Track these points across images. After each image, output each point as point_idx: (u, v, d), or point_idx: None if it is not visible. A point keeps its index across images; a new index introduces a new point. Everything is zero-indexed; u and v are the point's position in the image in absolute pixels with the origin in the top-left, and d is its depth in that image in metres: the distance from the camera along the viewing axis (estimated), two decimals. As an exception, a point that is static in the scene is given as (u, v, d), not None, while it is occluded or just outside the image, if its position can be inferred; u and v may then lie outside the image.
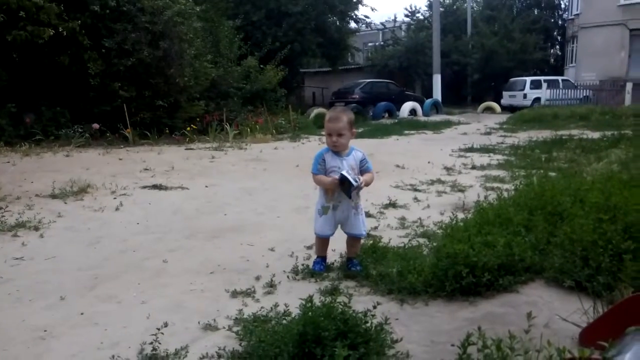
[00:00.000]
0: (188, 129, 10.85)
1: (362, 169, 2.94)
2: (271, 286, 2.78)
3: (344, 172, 2.75)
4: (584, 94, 22.49)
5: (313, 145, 10.16)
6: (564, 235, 2.81)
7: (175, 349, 2.07)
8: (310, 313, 1.89)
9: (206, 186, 5.91)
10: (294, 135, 12.05)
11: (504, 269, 2.64)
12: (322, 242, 3.06)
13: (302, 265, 3.06)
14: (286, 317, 2.17)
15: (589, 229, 2.73)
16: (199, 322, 2.34)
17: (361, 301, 2.51)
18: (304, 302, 1.97)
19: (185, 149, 9.19)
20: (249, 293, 2.69)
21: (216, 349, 2.05)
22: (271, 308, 2.38)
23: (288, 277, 2.94)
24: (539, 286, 2.66)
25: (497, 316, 2.36)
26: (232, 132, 10.89)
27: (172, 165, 7.11)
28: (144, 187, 5.74)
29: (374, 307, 1.96)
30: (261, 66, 15.50)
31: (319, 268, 3.00)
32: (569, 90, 22.69)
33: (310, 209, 4.69)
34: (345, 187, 2.76)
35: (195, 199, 5.21)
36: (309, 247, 3.48)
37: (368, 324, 1.96)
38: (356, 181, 2.74)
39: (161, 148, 9.26)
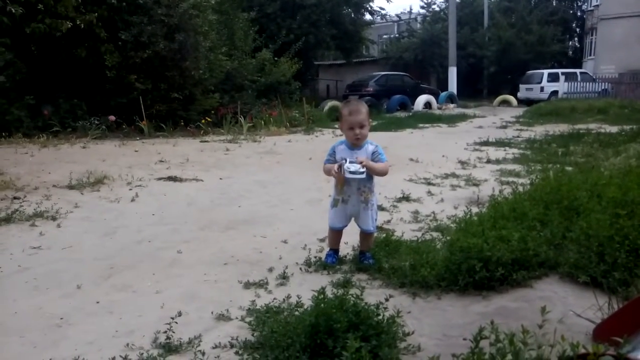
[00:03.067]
0: (203, 121, 10.90)
1: (374, 161, 2.86)
2: (284, 278, 2.79)
3: (343, 161, 2.74)
4: (603, 87, 22.09)
5: (327, 138, 10.15)
6: (580, 231, 2.78)
7: (189, 338, 2.10)
8: (322, 305, 1.90)
9: (220, 178, 5.95)
10: (307, 128, 12.05)
11: (518, 263, 2.62)
12: (334, 234, 3.07)
13: (315, 257, 3.07)
14: (298, 309, 2.18)
15: (605, 224, 2.70)
16: (212, 312, 2.36)
17: (373, 294, 2.51)
18: (316, 294, 1.98)
19: (200, 142, 9.25)
20: (261, 284, 2.71)
21: (229, 339, 2.07)
22: (284, 299, 2.39)
23: (301, 269, 2.95)
24: (554, 281, 2.63)
25: (511, 311, 2.34)
26: (246, 124, 10.92)
27: (187, 158, 7.17)
28: (159, 178, 5.80)
29: (386, 300, 1.96)
30: (275, 59, 15.49)
31: (331, 260, 3.00)
32: (587, 84, 22.30)
33: (324, 202, 4.70)
34: (344, 176, 2.74)
35: (209, 191, 5.24)
36: (322, 240, 3.49)
37: (380, 317, 1.97)
38: (352, 170, 2.69)
39: (176, 140, 9.33)
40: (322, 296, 1.94)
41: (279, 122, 11.89)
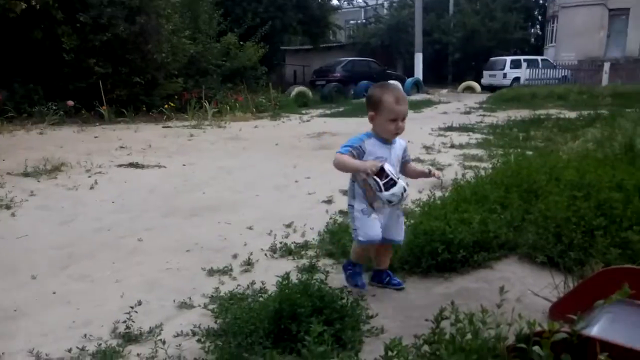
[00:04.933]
0: (166, 106, 10.66)
1: (404, 160, 2.43)
2: (248, 264, 2.77)
3: (389, 167, 2.16)
4: (563, 74, 22.73)
5: (294, 124, 10.10)
6: (539, 213, 2.85)
7: (150, 327, 2.06)
8: (286, 290, 1.89)
9: (184, 165, 5.83)
10: (274, 113, 11.94)
11: (479, 245, 2.68)
12: (371, 249, 2.43)
13: (281, 243, 3.05)
14: (263, 295, 2.16)
15: (562, 206, 2.77)
16: (174, 301, 2.32)
17: (338, 279, 2.51)
18: (280, 280, 1.96)
19: (163, 127, 9.05)
20: (225, 271, 2.67)
21: (191, 327, 2.04)
22: (248, 286, 2.37)
23: (266, 255, 2.92)
24: (513, 262, 2.70)
25: (472, 291, 2.39)
26: (211, 110, 10.73)
27: (149, 144, 6.99)
28: (120, 165, 5.64)
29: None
30: (241, 43, 15.23)
31: (362, 285, 2.41)
32: (548, 70, 22.89)
33: (290, 188, 4.70)
34: (384, 185, 2.13)
35: (172, 178, 5.14)
36: (288, 225, 3.47)
37: (344, 301, 1.97)
38: (403, 188, 2.16)
39: (138, 126, 9.09)
40: (286, 281, 1.92)
41: (245, 108, 11.74)
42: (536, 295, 2.26)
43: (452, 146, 7.13)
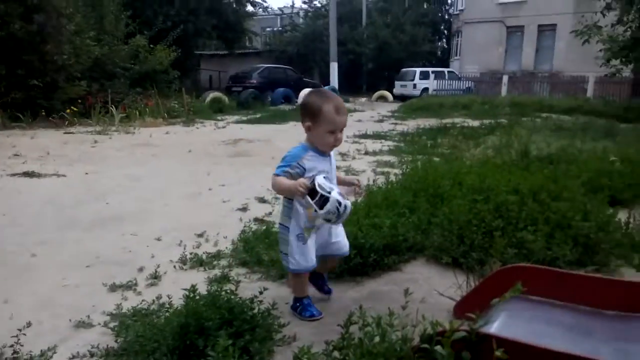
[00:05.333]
0: (68, 111, 9.95)
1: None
2: (155, 277, 2.62)
3: (322, 181, 2.00)
4: (467, 85, 24.29)
5: (208, 130, 9.86)
6: (443, 216, 2.99)
7: (41, 350, 1.88)
8: (193, 303, 1.81)
9: (86, 173, 5.46)
10: (187, 119, 11.59)
11: (389, 249, 2.74)
12: (305, 278, 2.26)
13: (191, 254, 2.93)
14: (169, 309, 2.05)
15: (465, 209, 2.93)
16: (70, 320, 2.14)
17: (251, 288, 2.44)
18: (187, 292, 1.87)
19: (64, 133, 8.44)
20: (129, 286, 2.52)
21: (89, 347, 1.89)
22: (153, 300, 2.24)
23: (175, 267, 2.80)
24: (420, 264, 2.80)
25: (382, 294, 2.44)
26: (118, 115, 10.19)
27: (48, 151, 6.48)
28: (13, 174, 5.17)
29: (260, 293, 1.92)
30: (151, 46, 14.62)
31: (317, 312, 2.22)
32: (454, 81, 24.37)
33: (203, 196, 4.56)
34: (316, 203, 1.97)
35: (73, 187, 4.78)
36: (200, 235, 3.35)
37: (255, 311, 1.92)
38: (337, 202, 1.97)
39: (35, 132, 8.41)
40: (192, 294, 1.84)
41: (156, 113, 11.28)
42: (441, 295, 2.35)
43: (366, 153, 7.31)
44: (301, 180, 2.01)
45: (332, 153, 2.21)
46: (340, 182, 2.35)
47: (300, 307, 2.22)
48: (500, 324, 1.70)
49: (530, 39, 25.72)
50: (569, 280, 1.88)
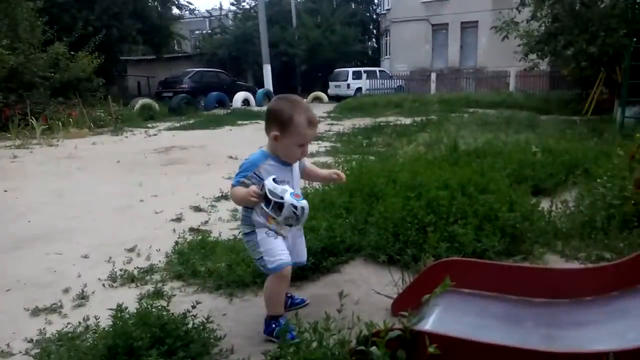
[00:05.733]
0: (-18, 125, 9.26)
1: (301, 166, 2.18)
2: (82, 298, 2.48)
3: (273, 186, 1.86)
4: (398, 84, 24.97)
5: (138, 139, 9.48)
6: (379, 214, 3.02)
7: (-46, 390, 1.71)
8: (120, 323, 1.71)
9: (5, 190, 5.09)
10: (115, 128, 11.11)
11: (327, 251, 2.74)
12: (286, 282, 2.03)
13: (121, 270, 2.79)
14: (96, 331, 1.93)
15: (399, 207, 2.98)
16: (-13, 352, 1.97)
17: (186, 302, 2.36)
18: (114, 312, 1.78)
19: (-21, 149, 7.83)
20: (54, 309, 2.36)
21: (8, 381, 1.74)
22: (79, 323, 2.11)
23: (104, 285, 2.65)
24: (358, 264, 2.82)
25: (322, 298, 2.43)
26: (39, 127, 9.59)
27: (-41, 169, 5.99)
28: None
29: (193, 307, 1.85)
30: (72, 53, 13.89)
31: (292, 336, 1.70)
32: (386, 80, 24.97)
33: (134, 209, 4.37)
34: (273, 210, 1.87)
35: (-11, 207, 4.44)
36: (131, 250, 3.21)
37: (189, 326, 1.86)
38: (292, 206, 1.84)
39: (-55, 148, 7.75)
40: (120, 314, 1.74)
41: (81, 123, 10.73)
42: (379, 294, 2.37)
43: (303, 154, 7.30)
44: (252, 187, 1.87)
45: (296, 163, 2.06)
46: (320, 180, 2.33)
47: (278, 328, 1.93)
48: (435, 319, 1.74)
49: (455, 36, 26.81)
50: (498, 270, 1.95)
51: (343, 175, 2.23)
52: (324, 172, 2.29)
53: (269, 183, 1.87)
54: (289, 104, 1.93)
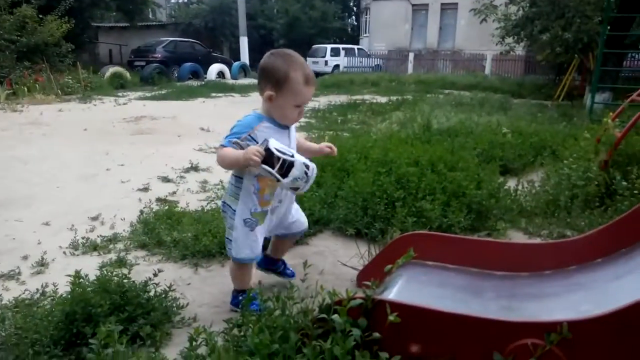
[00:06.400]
0: (-58, 87, 8.85)
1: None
2: (42, 265, 2.41)
3: (278, 145, 1.70)
4: (376, 63, 24.87)
5: (107, 107, 9.22)
6: (349, 189, 3.02)
7: None
8: (79, 290, 1.67)
9: (-36, 156, 4.90)
10: (84, 96, 10.77)
11: (296, 223, 2.73)
12: (249, 268, 2.00)
13: (84, 238, 2.73)
14: (54, 298, 1.89)
15: (369, 181, 2.99)
16: (-62, 319, 1.90)
17: (150, 271, 2.31)
18: (72, 278, 1.73)
19: (-63, 112, 7.50)
20: (11, 276, 2.30)
21: (-41, 347, 1.69)
22: (37, 290, 2.05)
23: (65, 253, 2.59)
24: (327, 237, 2.82)
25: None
26: (3, 91, 9.22)
27: None
28: None
29: (155, 275, 1.82)
30: (41, 16, 13.32)
31: (256, 306, 1.71)
32: (364, 59, 24.82)
33: (99, 177, 4.26)
34: (279, 171, 1.68)
35: (-54, 171, 4.27)
36: (94, 218, 3.14)
37: (151, 294, 1.83)
38: (304, 165, 1.71)
39: None
40: (78, 280, 1.70)
41: (48, 89, 10.35)
42: (345, 265, 2.39)
43: (277, 129, 7.24)
44: (252, 147, 1.67)
45: (293, 126, 1.92)
46: (311, 153, 2.08)
47: (242, 300, 1.81)
48: (398, 290, 1.75)
49: (434, 17, 26.73)
50: (461, 244, 1.97)
51: (335, 148, 2.10)
52: (315, 145, 2.14)
53: (274, 142, 1.69)
54: (284, 60, 1.76)
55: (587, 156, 3.45)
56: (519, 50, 13.34)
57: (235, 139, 1.75)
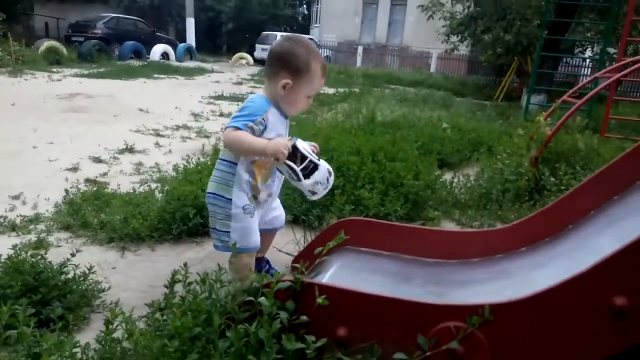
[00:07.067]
0: None
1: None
2: (-50, 245, 2.22)
3: (305, 145, 1.67)
4: (326, 54, 24.86)
5: (40, 83, 8.68)
6: (288, 174, 2.98)
7: None
8: (-14, 270, 1.54)
9: None
10: (14, 69, 10.08)
11: (232, 208, 2.66)
12: (252, 259, 1.86)
13: (1, 218, 2.54)
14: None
15: (309, 168, 2.95)
16: None
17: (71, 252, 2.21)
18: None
19: None
20: None
21: None
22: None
23: (-22, 232, 2.40)
24: (264, 222, 2.77)
25: (222, 254, 2.34)
26: None
27: None
28: None
29: (73, 255, 1.71)
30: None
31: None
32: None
33: (26, 154, 4.00)
34: (303, 170, 1.64)
35: None
36: (15, 197, 2.93)
37: (69, 276, 1.72)
38: (328, 172, 1.71)
39: None
40: (-14, 260, 1.57)
41: (-27, 60, 9.61)
42: (280, 251, 2.35)
43: (221, 114, 7.08)
44: (282, 140, 1.60)
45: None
46: None
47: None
48: (331, 275, 1.74)
49: (384, 12, 27.01)
50: (395, 231, 1.99)
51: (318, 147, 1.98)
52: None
53: (301, 142, 1.64)
54: (305, 49, 1.69)
55: (520, 152, 3.59)
56: (463, 49, 13.78)
57: (250, 123, 1.64)
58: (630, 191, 1.78)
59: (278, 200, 2.04)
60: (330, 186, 1.73)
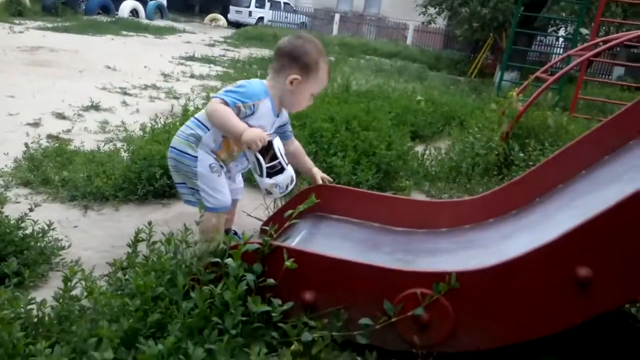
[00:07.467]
0: None
1: (283, 133, 1.93)
2: None
3: (281, 146, 1.68)
4: (302, 20, 24.37)
5: (1, 35, 8.22)
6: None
7: None
8: None
9: None
10: (-28, 18, 9.52)
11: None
12: (223, 219, 1.86)
13: (-45, 172, 2.42)
14: None
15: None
16: None
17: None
18: None
19: None
20: None
21: None
22: None
23: None
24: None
25: (189, 215, 2.30)
26: None
27: None
28: None
29: (31, 210, 1.64)
30: None
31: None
32: (289, 14, 24.20)
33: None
34: (269, 169, 1.63)
35: None
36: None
37: (27, 232, 1.65)
38: (291, 179, 1.71)
39: None
40: None
41: None
42: (249, 215, 2.32)
43: (192, 76, 6.90)
44: (261, 132, 1.58)
45: (284, 114, 1.87)
46: (303, 171, 2.06)
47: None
48: (300, 240, 1.73)
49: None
50: (365, 199, 1.98)
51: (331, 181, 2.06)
52: (311, 164, 2.07)
53: (278, 142, 1.65)
54: (315, 47, 1.72)
55: (492, 127, 3.62)
56: (440, 23, 13.70)
57: (239, 103, 1.63)
58: (597, 167, 1.81)
59: (240, 176, 2.03)
60: (287, 192, 1.74)
